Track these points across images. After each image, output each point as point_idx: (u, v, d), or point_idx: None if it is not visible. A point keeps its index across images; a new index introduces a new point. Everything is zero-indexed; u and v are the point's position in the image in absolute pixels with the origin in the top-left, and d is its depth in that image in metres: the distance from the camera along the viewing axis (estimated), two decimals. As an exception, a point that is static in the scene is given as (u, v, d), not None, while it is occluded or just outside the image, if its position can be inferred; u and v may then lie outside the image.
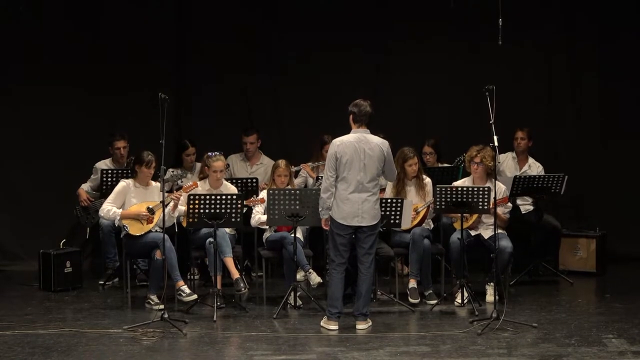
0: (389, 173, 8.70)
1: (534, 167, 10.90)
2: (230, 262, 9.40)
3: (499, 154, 8.75)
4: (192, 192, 9.35)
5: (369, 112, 8.53)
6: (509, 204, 9.81)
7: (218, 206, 9.08)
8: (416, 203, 9.70)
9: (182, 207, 9.43)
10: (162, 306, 8.90)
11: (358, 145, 8.46)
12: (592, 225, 11.17)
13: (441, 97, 11.71)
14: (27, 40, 11.41)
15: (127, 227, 9.39)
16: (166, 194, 9.07)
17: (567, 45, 11.87)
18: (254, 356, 7.76)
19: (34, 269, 10.55)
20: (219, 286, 9.31)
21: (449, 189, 9.31)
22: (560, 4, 11.86)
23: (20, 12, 11.26)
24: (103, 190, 10.37)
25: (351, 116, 8.56)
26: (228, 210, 9.09)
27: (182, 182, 10.29)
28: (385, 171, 8.63)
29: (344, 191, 8.45)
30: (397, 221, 9.30)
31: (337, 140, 8.54)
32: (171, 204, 9.30)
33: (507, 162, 10.98)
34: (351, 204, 8.43)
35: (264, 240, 9.81)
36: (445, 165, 10.95)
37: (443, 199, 9.28)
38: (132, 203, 9.49)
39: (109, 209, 9.44)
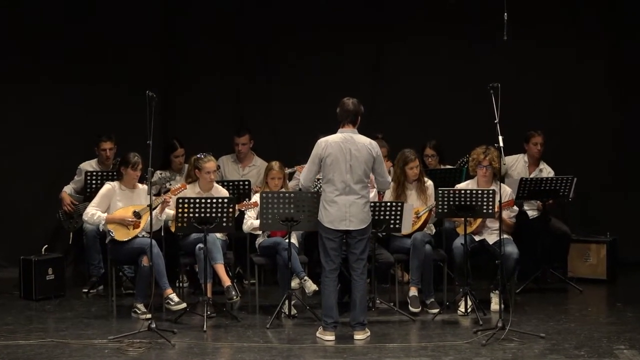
0: (380, 177, 8.65)
1: (545, 172, 10.86)
2: (221, 269, 9.41)
3: (506, 155, 8.74)
4: (181, 195, 9.37)
5: (351, 110, 8.55)
6: (515, 208, 9.83)
7: (208, 210, 9.09)
8: (417, 207, 9.72)
9: (170, 211, 9.45)
10: (149, 315, 8.94)
11: (344, 145, 8.49)
12: (603, 230, 11.19)
13: (442, 96, 11.72)
14: (9, 37, 11.45)
15: (112, 232, 9.40)
16: (154, 197, 9.06)
17: (574, 41, 11.89)
18: (246, 368, 7.82)
19: (14, 276, 10.56)
20: (209, 294, 9.32)
21: (451, 192, 9.32)
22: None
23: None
24: (87, 193, 10.38)
25: (337, 116, 8.62)
26: (219, 215, 9.11)
27: (170, 184, 10.32)
28: (377, 175, 8.62)
29: (331, 194, 8.50)
30: (397, 226, 9.32)
31: (322, 141, 8.58)
32: (159, 206, 9.31)
33: (518, 166, 10.95)
34: (338, 207, 8.47)
35: (256, 246, 9.83)
36: (448, 167, 10.97)
37: (445, 203, 9.28)
38: (117, 207, 9.50)
39: (93, 212, 9.45)
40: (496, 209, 9.09)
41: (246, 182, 10.43)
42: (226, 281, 9.38)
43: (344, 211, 8.47)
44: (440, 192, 9.34)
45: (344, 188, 8.48)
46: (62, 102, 11.52)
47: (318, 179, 9.48)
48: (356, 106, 8.58)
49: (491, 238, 9.61)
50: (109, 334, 8.67)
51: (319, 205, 8.64)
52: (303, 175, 8.72)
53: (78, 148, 11.14)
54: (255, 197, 9.72)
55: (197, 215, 9.09)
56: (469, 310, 9.38)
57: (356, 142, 8.53)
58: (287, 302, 9.31)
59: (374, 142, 8.63)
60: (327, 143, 8.54)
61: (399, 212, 9.29)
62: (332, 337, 8.54)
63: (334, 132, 8.64)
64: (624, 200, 11.74)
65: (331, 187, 8.51)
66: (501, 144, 8.53)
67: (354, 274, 8.58)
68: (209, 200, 9.13)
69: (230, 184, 10.35)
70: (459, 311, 9.47)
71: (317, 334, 8.65)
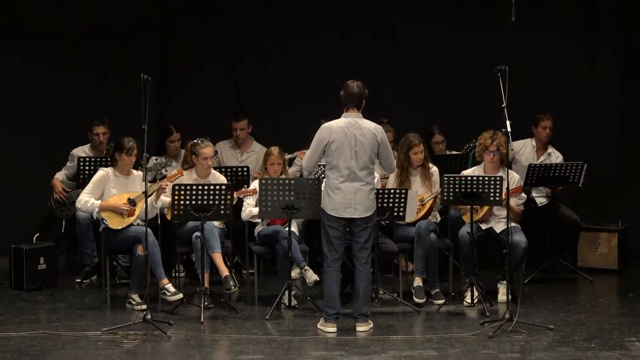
0: (385, 162, 8.64)
1: (553, 157, 10.84)
2: (218, 258, 9.39)
3: (513, 140, 8.71)
4: (177, 181, 9.32)
5: (356, 94, 8.49)
6: (523, 195, 9.82)
7: (205, 197, 9.05)
8: (422, 194, 9.69)
9: (166, 198, 9.42)
10: (144, 306, 8.93)
11: (348, 130, 8.43)
12: (614, 219, 11.15)
13: (446, 84, 11.70)
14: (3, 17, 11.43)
15: (106, 220, 9.37)
16: (149, 184, 9.04)
17: (585, 23, 11.86)
18: (244, 361, 7.79)
19: (5, 265, 10.54)
20: (206, 284, 9.30)
21: (457, 178, 9.30)
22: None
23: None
24: (80, 180, 10.37)
25: (341, 100, 8.56)
26: (216, 202, 9.07)
27: (166, 170, 10.29)
28: (382, 160, 8.59)
29: (335, 180, 8.44)
30: (400, 214, 9.29)
31: (326, 126, 8.53)
32: (154, 193, 9.26)
33: (526, 150, 10.89)
34: (343, 194, 8.42)
35: (255, 235, 9.80)
36: (454, 153, 10.95)
37: (451, 190, 9.26)
38: (111, 194, 9.47)
39: (87, 199, 9.42)
40: (503, 196, 9.06)
41: (245, 169, 10.41)
42: (224, 271, 9.35)
43: (348, 198, 8.41)
44: (445, 178, 9.32)
45: (348, 174, 8.42)
46: (54, 87, 11.49)
47: (319, 165, 9.43)
48: (361, 89, 8.51)
49: (498, 226, 9.59)
50: (103, 326, 8.66)
51: (322, 192, 8.57)
52: (305, 160, 8.65)
53: (71, 137, 11.09)
54: (254, 184, 9.68)
55: (194, 202, 9.05)
56: (475, 301, 9.36)
57: (361, 127, 8.46)
58: (287, 292, 9.28)
59: (379, 127, 8.58)
60: (331, 128, 8.48)
61: (402, 200, 9.26)
62: (334, 329, 8.52)
63: (335, 117, 8.58)
64: (636, 187, 11.70)
65: (336, 173, 8.44)
66: (509, 128, 8.50)
67: (358, 263, 8.54)
68: (206, 187, 9.10)
69: (229, 170, 10.34)
70: (465, 302, 9.46)
71: (318, 326, 8.62)
